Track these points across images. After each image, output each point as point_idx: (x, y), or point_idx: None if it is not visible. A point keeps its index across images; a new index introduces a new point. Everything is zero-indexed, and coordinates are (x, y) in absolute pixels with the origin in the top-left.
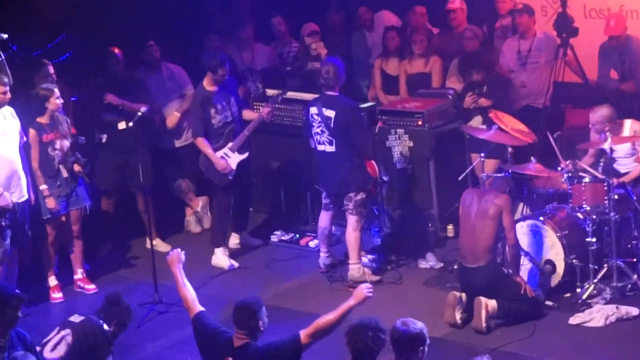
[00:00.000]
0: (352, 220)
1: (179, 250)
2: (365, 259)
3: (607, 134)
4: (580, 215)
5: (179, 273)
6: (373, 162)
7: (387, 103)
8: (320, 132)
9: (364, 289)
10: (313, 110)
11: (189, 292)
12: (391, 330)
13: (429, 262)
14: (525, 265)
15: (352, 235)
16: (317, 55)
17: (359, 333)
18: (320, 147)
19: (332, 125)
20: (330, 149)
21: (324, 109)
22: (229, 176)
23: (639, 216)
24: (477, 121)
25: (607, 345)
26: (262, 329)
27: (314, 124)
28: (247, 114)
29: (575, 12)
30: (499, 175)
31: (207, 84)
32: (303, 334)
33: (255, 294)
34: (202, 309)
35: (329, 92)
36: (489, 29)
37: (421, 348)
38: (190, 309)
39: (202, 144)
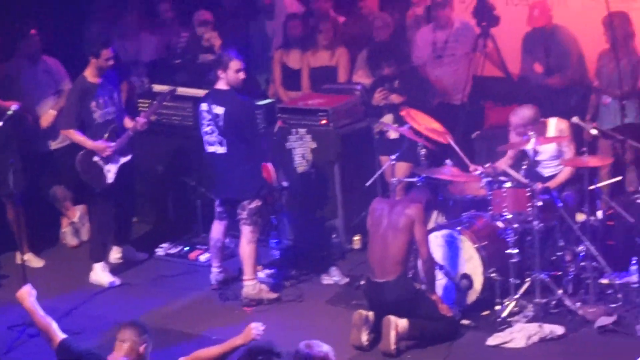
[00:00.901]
0: (246, 231)
1: (29, 285)
2: (261, 275)
3: (531, 133)
4: (500, 224)
5: (33, 307)
6: (269, 165)
7: (287, 100)
8: (210, 132)
9: (253, 330)
10: (203, 107)
11: (50, 322)
12: (294, 353)
13: (333, 277)
14: (440, 280)
15: (246, 248)
16: (210, 46)
17: (253, 358)
18: (210, 149)
19: (221, 124)
20: (221, 150)
21: (213, 106)
22: (108, 180)
23: (564, 225)
24: (387, 120)
25: None
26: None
27: (203, 122)
28: (127, 122)
29: None
30: (413, 180)
31: (90, 75)
32: None
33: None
34: (64, 336)
35: (220, 87)
36: (401, 18)
37: None
38: (52, 340)
39: (74, 134)
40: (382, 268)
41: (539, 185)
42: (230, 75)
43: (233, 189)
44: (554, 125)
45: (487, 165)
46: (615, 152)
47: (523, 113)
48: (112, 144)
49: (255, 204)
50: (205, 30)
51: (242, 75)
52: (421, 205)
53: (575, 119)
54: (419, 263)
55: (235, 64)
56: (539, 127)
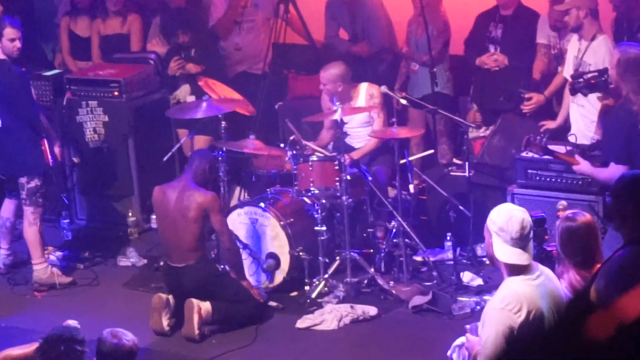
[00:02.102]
0: (27, 212)
1: None
2: (53, 257)
3: (337, 104)
4: (307, 200)
5: None
6: (44, 142)
7: (76, 70)
8: None
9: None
10: None
11: None
12: (98, 342)
13: (130, 258)
14: (245, 259)
15: (29, 230)
16: None
17: (52, 347)
18: None
19: None
20: None
21: None
22: None
23: (375, 200)
24: (184, 91)
25: (341, 351)
26: None
27: None
28: None
29: None
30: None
31: None
32: None
33: None
34: None
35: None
36: None
37: None
38: None
39: None
40: (178, 254)
41: (347, 158)
42: (4, 43)
43: (11, 165)
44: (365, 90)
45: (292, 137)
46: (427, 122)
47: (334, 69)
48: None
49: (35, 182)
50: None
51: (17, 44)
52: (215, 194)
53: (383, 88)
54: (222, 246)
55: (9, 32)
56: (348, 90)
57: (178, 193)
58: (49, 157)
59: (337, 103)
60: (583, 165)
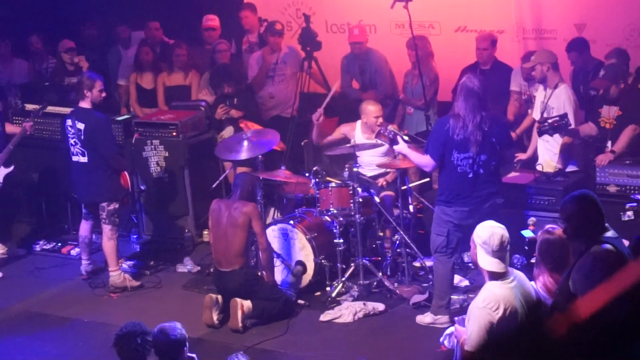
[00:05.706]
0: (106, 229)
1: None
2: (125, 265)
3: (352, 140)
4: (327, 218)
5: None
6: (126, 173)
7: (142, 115)
8: (74, 144)
9: None
10: (68, 122)
11: None
12: (153, 338)
13: (187, 266)
14: (278, 266)
15: (107, 244)
16: (74, 70)
17: (129, 341)
18: (75, 158)
19: (82, 137)
20: (83, 159)
21: (76, 122)
22: None
23: (382, 218)
24: (228, 131)
25: (356, 339)
26: None
27: (69, 135)
28: (9, 128)
29: (318, 27)
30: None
31: None
32: None
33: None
34: None
35: (83, 105)
36: (237, 44)
37: (184, 349)
38: None
39: None
40: (226, 260)
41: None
42: (94, 94)
43: (93, 193)
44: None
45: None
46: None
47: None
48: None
49: (113, 206)
50: (73, 55)
51: (104, 94)
52: (255, 204)
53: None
54: (260, 253)
55: (99, 84)
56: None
57: (229, 209)
58: (130, 185)
59: (352, 140)
60: (402, 146)
